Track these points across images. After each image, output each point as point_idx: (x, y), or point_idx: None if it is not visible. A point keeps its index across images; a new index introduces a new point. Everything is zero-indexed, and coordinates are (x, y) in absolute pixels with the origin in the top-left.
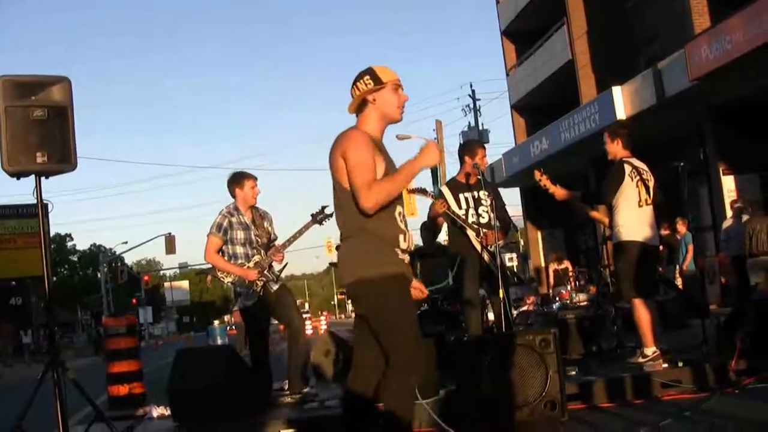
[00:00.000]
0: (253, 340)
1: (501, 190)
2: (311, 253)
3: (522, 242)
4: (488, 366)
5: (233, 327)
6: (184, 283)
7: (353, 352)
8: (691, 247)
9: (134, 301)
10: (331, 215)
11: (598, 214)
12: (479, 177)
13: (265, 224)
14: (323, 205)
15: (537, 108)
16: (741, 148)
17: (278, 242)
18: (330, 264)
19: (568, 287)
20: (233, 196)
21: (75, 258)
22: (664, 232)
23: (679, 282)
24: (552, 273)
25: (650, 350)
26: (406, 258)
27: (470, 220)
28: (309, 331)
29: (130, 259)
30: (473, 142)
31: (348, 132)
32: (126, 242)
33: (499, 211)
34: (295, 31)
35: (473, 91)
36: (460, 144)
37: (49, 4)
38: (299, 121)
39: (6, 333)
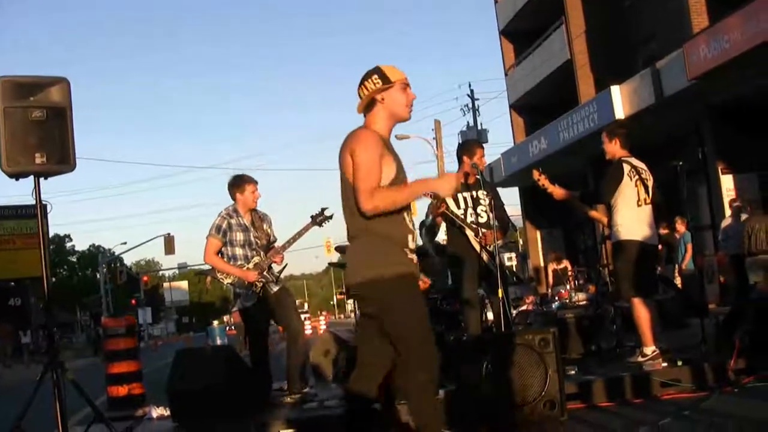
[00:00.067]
0: (253, 341)
1: (500, 189)
2: (310, 254)
3: (521, 242)
4: (487, 366)
5: (232, 327)
6: (184, 284)
7: (357, 351)
8: (690, 247)
9: (133, 301)
10: (330, 217)
11: (597, 214)
12: (478, 177)
13: (265, 226)
14: (323, 207)
15: (535, 107)
16: (739, 148)
17: (278, 244)
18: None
19: (567, 287)
20: (233, 199)
21: (74, 259)
22: (663, 231)
23: (678, 281)
24: (551, 273)
25: (649, 349)
26: (414, 258)
27: (469, 219)
28: (308, 331)
29: (129, 259)
30: (471, 141)
31: (358, 131)
32: (125, 243)
33: (498, 211)
34: (295, 31)
35: (472, 91)
36: (459, 144)
37: (49, 4)
38: (299, 121)
39: (5, 333)
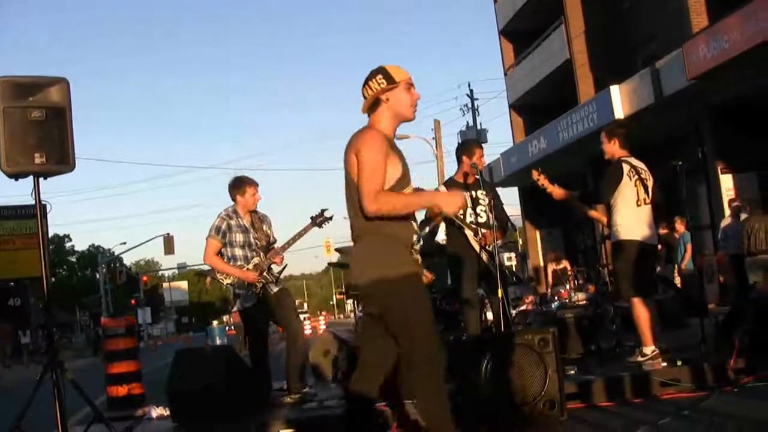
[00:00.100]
0: (253, 341)
1: (499, 189)
2: (310, 254)
3: (520, 242)
4: (487, 366)
5: (232, 327)
6: (183, 284)
7: (359, 351)
8: (689, 246)
9: (133, 301)
10: (330, 218)
11: (597, 214)
12: (477, 177)
13: (264, 227)
14: (323, 209)
15: (535, 107)
16: (739, 147)
17: (277, 245)
18: (329, 264)
19: (567, 286)
20: (234, 200)
21: (73, 259)
22: (663, 231)
23: (677, 281)
24: (551, 273)
25: (649, 349)
26: (419, 258)
27: (468, 219)
28: (308, 331)
29: (128, 259)
30: (471, 141)
31: (364, 131)
32: (124, 243)
33: (497, 211)
34: (295, 31)
35: (471, 91)
36: (458, 144)
37: (49, 4)
38: (299, 121)
39: (4, 334)
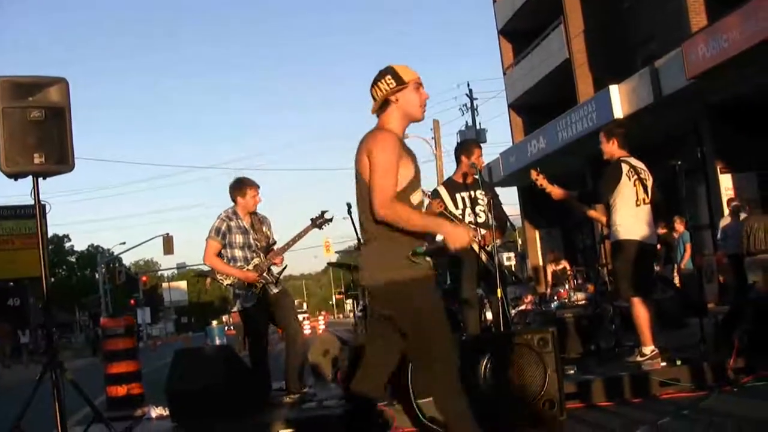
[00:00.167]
0: (252, 341)
1: (498, 189)
2: (309, 254)
3: (520, 241)
4: (486, 365)
5: (231, 327)
6: (182, 284)
7: (363, 351)
8: (689, 246)
9: (132, 301)
10: (330, 220)
11: (596, 213)
12: (476, 176)
13: (264, 228)
14: (323, 210)
15: (534, 107)
16: (738, 147)
17: (277, 246)
18: (328, 264)
19: (567, 286)
20: (234, 201)
21: (73, 259)
22: (662, 230)
23: (676, 281)
24: (550, 274)
25: (648, 349)
26: (430, 259)
27: (467, 219)
28: (307, 330)
29: (128, 259)
30: (469, 141)
31: (376, 132)
32: (124, 243)
33: (496, 210)
34: (295, 31)
35: (470, 90)
36: (457, 144)
37: (49, 4)
38: (299, 121)
39: (4, 333)
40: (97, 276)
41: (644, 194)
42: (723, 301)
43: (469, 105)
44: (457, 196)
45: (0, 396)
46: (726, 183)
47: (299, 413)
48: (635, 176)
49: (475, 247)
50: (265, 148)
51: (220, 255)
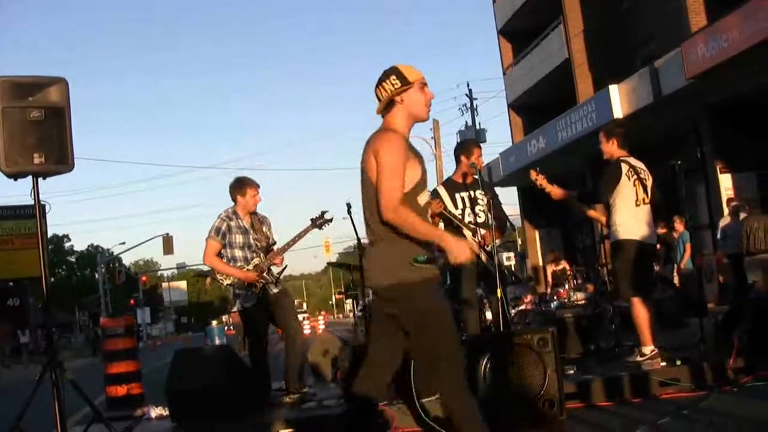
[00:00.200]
0: (252, 341)
1: (498, 189)
2: (309, 253)
3: (519, 241)
4: (486, 365)
5: (231, 327)
6: (182, 284)
7: (367, 351)
8: (688, 246)
9: (132, 301)
10: (330, 220)
11: (595, 213)
12: (476, 176)
13: (264, 229)
14: (323, 211)
15: (534, 107)
16: (738, 147)
17: (277, 246)
18: (328, 264)
19: (566, 286)
20: (234, 200)
21: (73, 259)
22: (662, 230)
23: (676, 280)
24: (550, 274)
25: (648, 349)
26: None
27: (467, 219)
28: (307, 330)
29: (127, 259)
30: (469, 141)
31: (383, 133)
32: (124, 243)
33: (496, 210)
34: (295, 31)
35: (470, 90)
36: (456, 144)
37: (49, 4)
38: (299, 121)
39: (4, 333)
40: (96, 276)
41: (644, 194)
42: (723, 301)
43: (468, 105)
44: (457, 196)
45: (0, 396)
46: (726, 183)
47: (299, 413)
48: (635, 176)
49: (475, 247)
50: (265, 148)
51: (220, 255)
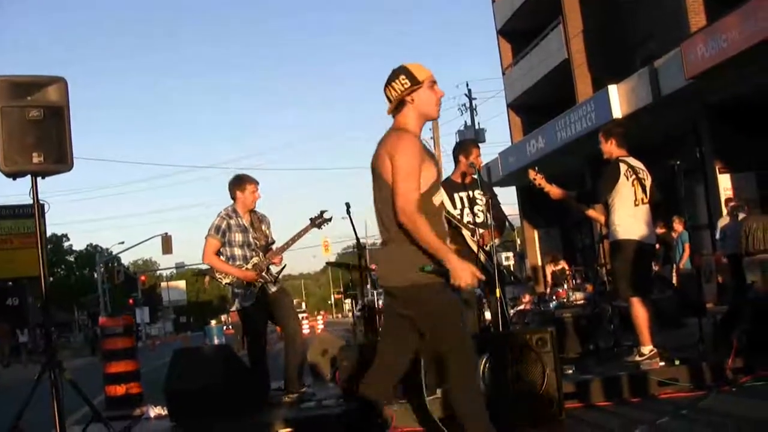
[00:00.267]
0: (251, 341)
1: (497, 189)
2: (308, 253)
3: (518, 241)
4: (485, 365)
5: (230, 327)
6: (181, 283)
7: (378, 350)
8: (687, 246)
9: (131, 301)
10: (329, 220)
11: (594, 213)
12: (475, 176)
13: (263, 227)
14: (322, 210)
15: (533, 107)
16: (737, 147)
17: (276, 245)
18: (327, 264)
19: (565, 286)
20: (233, 198)
21: (72, 258)
22: (661, 230)
23: (675, 280)
24: (549, 274)
25: (647, 349)
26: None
27: (465, 219)
28: (306, 330)
29: (126, 259)
30: (468, 141)
31: (397, 134)
32: (123, 242)
33: (495, 210)
34: (295, 31)
35: (469, 90)
36: (455, 143)
37: (49, 4)
38: (299, 121)
39: (3, 333)
40: (95, 275)
41: (643, 194)
42: (722, 301)
43: (467, 105)
44: (456, 196)
45: None
46: (725, 183)
47: (298, 413)
48: (634, 176)
49: (474, 246)
50: (264, 147)
51: (219, 253)
